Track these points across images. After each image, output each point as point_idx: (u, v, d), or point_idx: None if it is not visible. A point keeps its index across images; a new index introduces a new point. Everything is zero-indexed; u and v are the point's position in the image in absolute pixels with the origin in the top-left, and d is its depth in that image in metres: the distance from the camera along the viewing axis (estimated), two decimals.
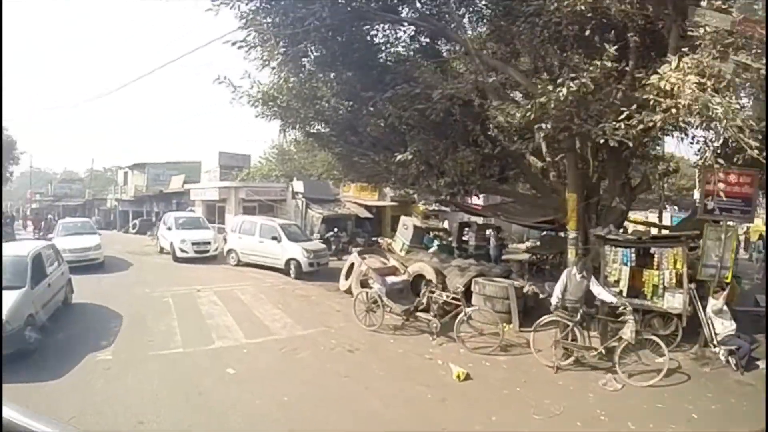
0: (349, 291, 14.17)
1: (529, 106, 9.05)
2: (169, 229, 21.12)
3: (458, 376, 8.24)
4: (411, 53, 14.72)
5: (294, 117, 14.82)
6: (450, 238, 23.37)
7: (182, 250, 19.48)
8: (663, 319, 10.34)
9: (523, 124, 9.74)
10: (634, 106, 8.57)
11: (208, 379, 7.84)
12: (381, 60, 14.33)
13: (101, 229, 41.68)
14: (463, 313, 10.10)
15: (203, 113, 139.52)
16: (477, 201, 21.56)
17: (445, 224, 28.56)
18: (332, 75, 13.99)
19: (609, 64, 8.77)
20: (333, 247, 21.38)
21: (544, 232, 23.81)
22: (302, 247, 17.15)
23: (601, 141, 9.16)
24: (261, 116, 15.08)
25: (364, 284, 13.00)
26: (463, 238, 22.58)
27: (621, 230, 13.04)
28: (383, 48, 14.57)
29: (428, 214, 29.91)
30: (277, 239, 17.52)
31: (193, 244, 19.55)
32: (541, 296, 13.24)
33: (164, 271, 17.73)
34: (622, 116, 8.62)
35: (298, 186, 26.92)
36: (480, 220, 24.60)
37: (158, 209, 36.13)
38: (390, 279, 11.56)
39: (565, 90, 8.61)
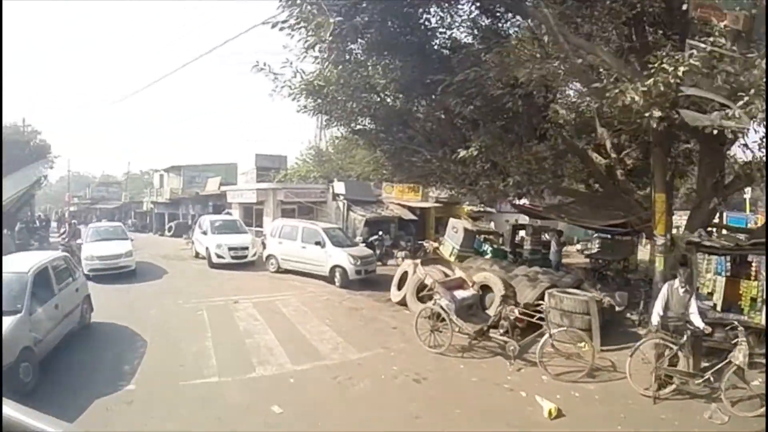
0: (402, 302, 12.78)
1: (645, 88, 7.46)
2: (205, 233, 19.80)
3: (550, 413, 6.83)
4: (471, 38, 13.19)
5: (340, 110, 13.43)
6: (501, 242, 21.71)
7: (218, 256, 18.21)
8: (758, 336, 8.75)
9: (636, 110, 8.13)
10: (752, 91, 6.94)
11: (250, 419, 6.45)
12: (435, 46, 12.89)
13: (137, 231, 41.40)
14: (547, 335, 8.66)
15: (229, 113, 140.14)
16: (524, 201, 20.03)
17: (491, 226, 26.96)
18: (383, 62, 12.54)
19: (723, 40, 7.22)
20: (377, 251, 19.84)
21: (595, 234, 22.16)
22: (348, 253, 15.70)
23: (714, 132, 7.59)
24: (303, 110, 13.78)
25: (421, 297, 11.68)
26: (516, 242, 20.89)
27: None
28: (438, 33, 13.07)
29: (473, 216, 28.35)
30: (321, 244, 16.10)
31: (229, 249, 18.26)
32: (617, 309, 11.89)
33: (199, 279, 16.43)
34: (741, 102, 7.03)
35: (339, 187, 25.42)
36: (524, 222, 23.04)
37: (194, 212, 35.19)
38: (459, 293, 10.00)
39: (681, 69, 7.09)
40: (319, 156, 37.44)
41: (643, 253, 20.12)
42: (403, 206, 26.29)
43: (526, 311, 9.66)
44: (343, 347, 9.54)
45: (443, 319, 9.46)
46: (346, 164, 33.39)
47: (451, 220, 21.29)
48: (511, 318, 9.33)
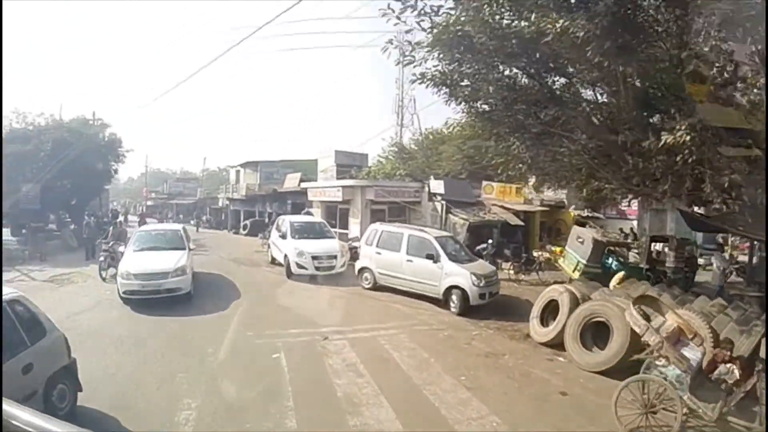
0: (555, 344, 9.25)
1: None
2: (283, 236, 16.46)
3: None
4: None
5: (475, 80, 9.89)
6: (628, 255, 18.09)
7: (299, 266, 14.82)
8: None
9: None
10: None
11: None
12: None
13: (212, 228, 39.89)
14: None
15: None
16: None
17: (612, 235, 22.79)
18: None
19: None
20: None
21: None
22: (470, 271, 11.96)
23: None
24: (420, 80, 10.24)
25: (584, 341, 8.60)
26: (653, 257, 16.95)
27: None
28: None
29: (579, 222, 24.30)
30: (434, 258, 12.39)
31: (313, 258, 14.78)
32: None
33: (275, 296, 13.02)
34: None
35: (436, 186, 21.82)
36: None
37: (271, 209, 33.24)
38: (689, 354, 6.19)
39: None
40: (401, 153, 34.94)
41: None
42: (507, 209, 22.37)
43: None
44: None
45: (670, 398, 5.88)
46: (433, 161, 30.71)
47: (576, 228, 17.48)
48: (729, 382, 6.04)
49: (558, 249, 20.46)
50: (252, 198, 37.64)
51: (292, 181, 30.70)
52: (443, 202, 20.93)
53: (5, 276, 14.75)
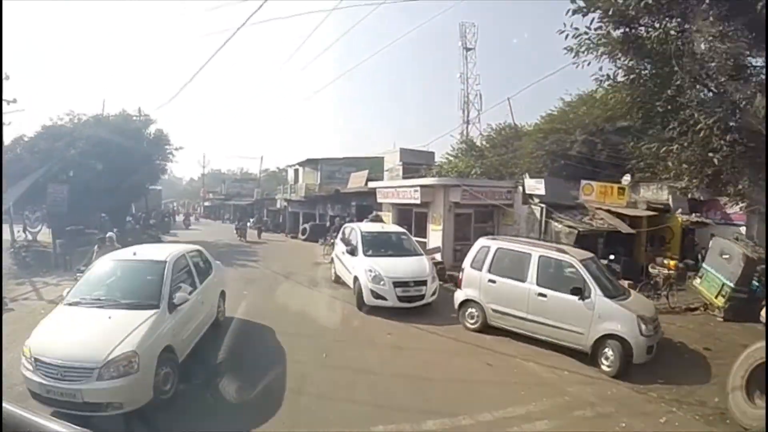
0: None
1: None
2: (352, 252, 12.71)
3: None
4: None
5: None
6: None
7: (375, 294, 11.10)
8: None
9: None
10: None
11: None
12: None
13: (269, 231, 37.06)
14: None
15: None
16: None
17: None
18: None
19: None
20: None
21: None
22: (636, 312, 8.01)
23: None
24: (586, 11, 6.74)
25: None
26: None
27: None
28: None
29: (689, 228, 20.29)
30: (582, 294, 8.30)
31: (395, 284, 10.99)
32: None
33: (344, 352, 8.64)
34: None
35: (534, 185, 17.67)
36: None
37: (333, 212, 30.39)
38: None
39: None
40: (471, 150, 31.67)
41: None
42: (612, 213, 18.30)
43: None
44: None
45: None
46: (508, 158, 27.48)
47: (718, 241, 14.05)
48: None
49: (672, 262, 16.65)
50: (312, 199, 34.94)
51: (357, 181, 27.69)
52: (542, 206, 17.02)
53: (14, 292, 12.72)
